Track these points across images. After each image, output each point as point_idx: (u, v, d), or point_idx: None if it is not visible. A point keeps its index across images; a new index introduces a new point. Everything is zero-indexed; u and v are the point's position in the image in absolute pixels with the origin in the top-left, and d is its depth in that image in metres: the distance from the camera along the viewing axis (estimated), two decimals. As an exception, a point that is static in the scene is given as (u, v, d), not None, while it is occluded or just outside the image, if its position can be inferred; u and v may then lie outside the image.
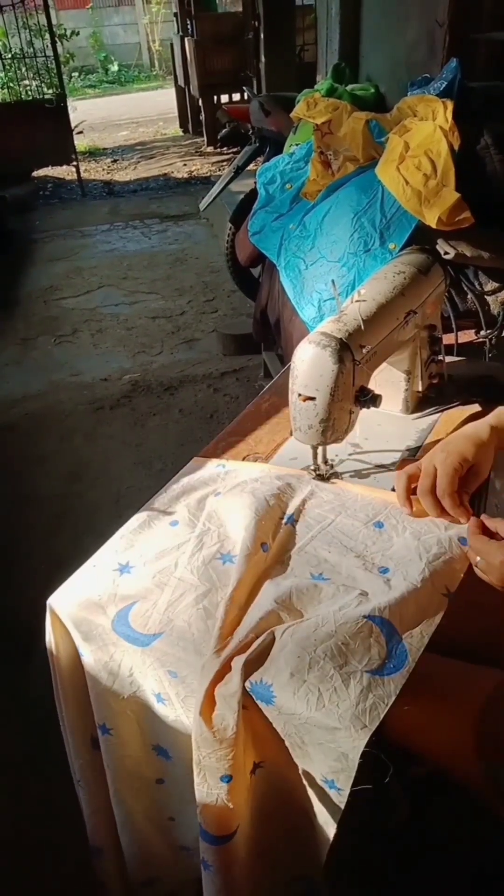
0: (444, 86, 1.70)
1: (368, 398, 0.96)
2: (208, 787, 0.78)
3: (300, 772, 0.78)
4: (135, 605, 0.87)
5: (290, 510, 0.98)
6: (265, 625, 0.81)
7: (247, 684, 0.75)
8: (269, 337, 2.54)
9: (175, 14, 8.55)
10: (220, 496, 1.02)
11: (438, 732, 0.81)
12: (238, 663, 0.76)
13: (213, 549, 0.93)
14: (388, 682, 0.72)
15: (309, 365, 0.91)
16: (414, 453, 1.13)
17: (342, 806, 0.75)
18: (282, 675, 0.74)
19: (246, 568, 0.87)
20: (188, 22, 7.46)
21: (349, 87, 2.54)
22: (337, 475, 1.06)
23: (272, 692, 0.74)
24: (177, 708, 0.84)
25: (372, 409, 0.99)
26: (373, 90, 2.59)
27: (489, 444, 0.90)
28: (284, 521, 0.96)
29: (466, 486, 0.89)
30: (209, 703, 0.76)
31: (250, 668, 0.76)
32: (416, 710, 0.77)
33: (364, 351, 0.94)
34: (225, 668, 0.77)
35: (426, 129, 1.52)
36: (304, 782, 0.79)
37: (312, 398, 0.92)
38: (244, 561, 0.88)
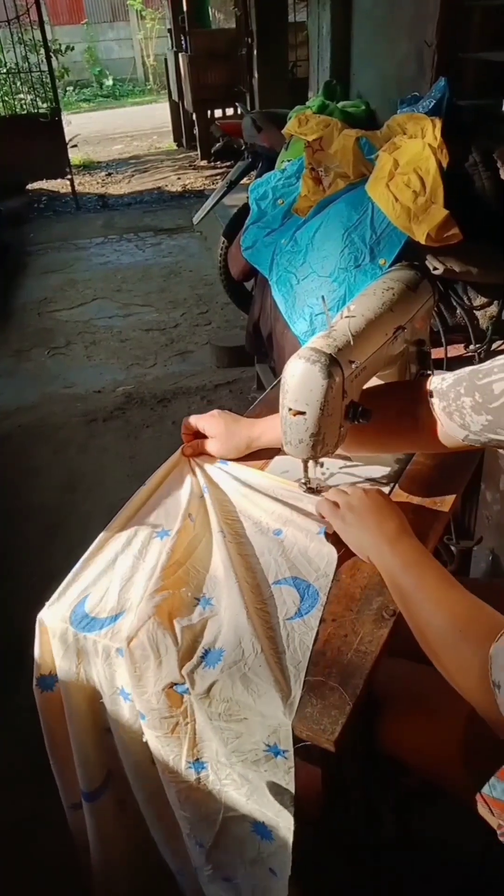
0: (432, 104, 1.73)
1: (358, 413, 0.97)
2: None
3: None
4: (87, 597, 0.93)
5: (202, 483, 1.11)
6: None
7: (199, 651, 0.83)
8: (261, 349, 2.55)
9: (169, 30, 8.64)
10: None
11: (427, 743, 0.82)
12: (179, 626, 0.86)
13: (147, 531, 1.02)
14: (307, 620, 0.86)
15: (299, 380, 0.92)
16: (403, 466, 1.14)
17: (291, 782, 0.78)
18: (223, 637, 0.84)
19: (178, 537, 0.98)
20: (182, 38, 7.54)
21: (340, 104, 2.58)
22: (328, 488, 1.07)
23: (222, 650, 0.81)
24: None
25: (362, 422, 1.00)
26: (363, 107, 2.63)
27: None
28: (201, 495, 1.09)
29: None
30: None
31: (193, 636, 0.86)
32: (404, 722, 0.78)
33: (353, 366, 0.95)
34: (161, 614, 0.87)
35: (415, 147, 1.54)
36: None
37: (303, 413, 0.93)
38: (176, 532, 0.99)
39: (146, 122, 11.38)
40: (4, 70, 6.88)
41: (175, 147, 9.26)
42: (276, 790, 0.80)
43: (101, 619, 0.90)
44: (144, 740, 0.89)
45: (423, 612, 0.79)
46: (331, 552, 0.95)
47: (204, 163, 7.92)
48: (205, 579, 0.94)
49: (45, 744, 1.02)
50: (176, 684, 0.82)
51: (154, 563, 0.96)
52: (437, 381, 0.94)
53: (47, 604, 0.94)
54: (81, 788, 1.01)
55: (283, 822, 0.81)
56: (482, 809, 0.81)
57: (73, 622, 0.90)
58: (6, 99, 6.92)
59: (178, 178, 7.60)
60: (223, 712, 0.80)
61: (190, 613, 0.89)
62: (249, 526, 1.03)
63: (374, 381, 1.10)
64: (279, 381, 0.97)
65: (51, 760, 1.03)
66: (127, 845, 1.06)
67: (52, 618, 0.92)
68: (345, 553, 0.95)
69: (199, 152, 8.06)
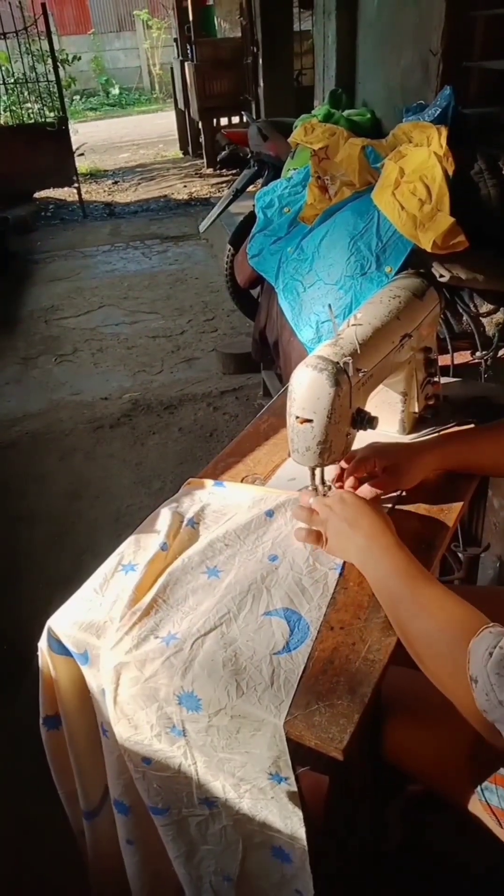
0: (438, 112, 1.74)
1: (365, 420, 0.98)
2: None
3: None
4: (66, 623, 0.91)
5: (188, 515, 1.06)
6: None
7: (174, 697, 0.80)
8: (267, 356, 2.56)
9: (175, 39, 8.71)
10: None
11: (431, 753, 0.82)
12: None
13: (113, 562, 0.98)
14: (295, 655, 0.81)
15: (306, 388, 0.93)
16: (411, 474, 1.14)
17: (297, 806, 0.77)
18: (200, 680, 0.80)
19: (147, 569, 0.94)
20: (188, 47, 7.59)
21: (346, 113, 2.59)
22: (335, 496, 1.08)
23: (197, 697, 0.79)
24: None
25: (369, 430, 1.00)
26: (369, 115, 2.64)
27: (419, 457, 1.04)
28: (184, 524, 1.04)
29: (385, 486, 1.02)
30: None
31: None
32: (409, 732, 0.78)
33: (360, 374, 0.96)
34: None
35: (421, 155, 1.55)
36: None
37: (310, 420, 0.94)
38: (146, 564, 0.95)
39: (152, 130, 11.45)
40: (12, 80, 6.94)
41: (181, 155, 9.31)
42: (285, 814, 0.80)
43: (78, 653, 0.89)
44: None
45: (414, 617, 0.78)
46: (329, 582, 0.91)
47: (210, 171, 7.96)
48: (170, 615, 0.89)
49: (52, 775, 1.03)
50: (169, 727, 0.83)
51: (114, 598, 0.91)
52: None
53: (45, 630, 0.92)
54: (83, 808, 1.02)
55: (298, 845, 0.81)
56: (490, 821, 0.81)
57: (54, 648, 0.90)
58: (14, 108, 6.98)
59: (185, 186, 7.63)
60: (225, 746, 0.80)
61: (155, 656, 0.83)
62: (243, 552, 0.98)
63: (381, 389, 1.11)
64: (286, 389, 0.97)
65: (58, 789, 1.04)
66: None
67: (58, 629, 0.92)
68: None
69: (205, 160, 8.10)
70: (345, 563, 0.94)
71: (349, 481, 1.04)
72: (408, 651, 0.78)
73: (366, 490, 1.03)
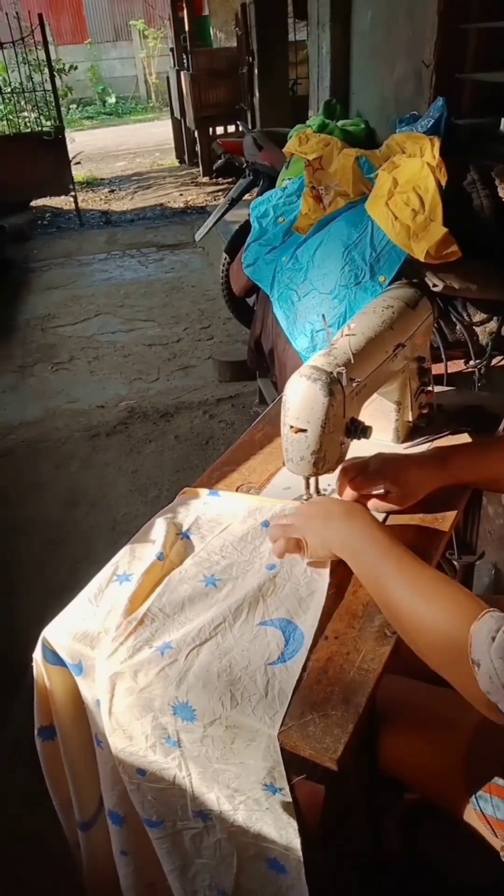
0: (431, 123, 1.76)
1: (359, 430, 0.98)
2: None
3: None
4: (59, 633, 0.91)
5: (184, 527, 1.06)
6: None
7: (169, 708, 0.80)
8: (263, 365, 2.57)
9: (171, 49, 8.77)
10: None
11: (427, 762, 0.82)
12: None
13: (108, 573, 0.97)
14: (290, 666, 0.80)
15: (300, 398, 0.93)
16: (405, 482, 1.14)
17: (293, 816, 0.77)
18: (195, 690, 0.80)
19: (143, 579, 0.94)
20: (184, 56, 7.65)
21: (340, 123, 2.61)
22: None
23: (191, 707, 0.79)
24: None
25: (363, 439, 1.01)
26: (363, 125, 2.67)
27: (424, 472, 1.01)
28: (181, 536, 1.04)
29: (393, 501, 1.00)
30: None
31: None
32: (403, 740, 0.78)
33: (354, 384, 0.96)
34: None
35: (414, 166, 1.57)
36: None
37: (304, 430, 0.94)
38: (142, 574, 0.94)
39: (148, 139, 11.51)
40: (9, 90, 6.98)
41: (177, 164, 9.35)
42: (280, 825, 0.80)
43: (72, 664, 0.89)
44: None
45: (407, 600, 0.78)
46: (322, 591, 0.90)
47: (206, 179, 8.00)
48: (166, 625, 0.88)
49: (47, 785, 1.03)
50: (164, 738, 0.82)
51: (109, 608, 0.91)
52: None
53: (39, 640, 0.91)
54: (78, 819, 1.02)
55: (293, 855, 0.80)
56: (484, 830, 0.81)
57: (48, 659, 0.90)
58: (11, 117, 7.01)
59: (181, 195, 7.67)
60: (219, 757, 0.80)
61: (150, 667, 0.83)
62: (240, 562, 0.97)
63: (375, 398, 1.11)
64: (281, 398, 0.98)
65: (53, 800, 1.04)
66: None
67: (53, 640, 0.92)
68: (338, 576, 0.93)
69: (200, 169, 8.15)
70: (331, 569, 0.93)
71: (351, 493, 1.01)
72: (400, 635, 0.78)
73: (372, 507, 1.00)
